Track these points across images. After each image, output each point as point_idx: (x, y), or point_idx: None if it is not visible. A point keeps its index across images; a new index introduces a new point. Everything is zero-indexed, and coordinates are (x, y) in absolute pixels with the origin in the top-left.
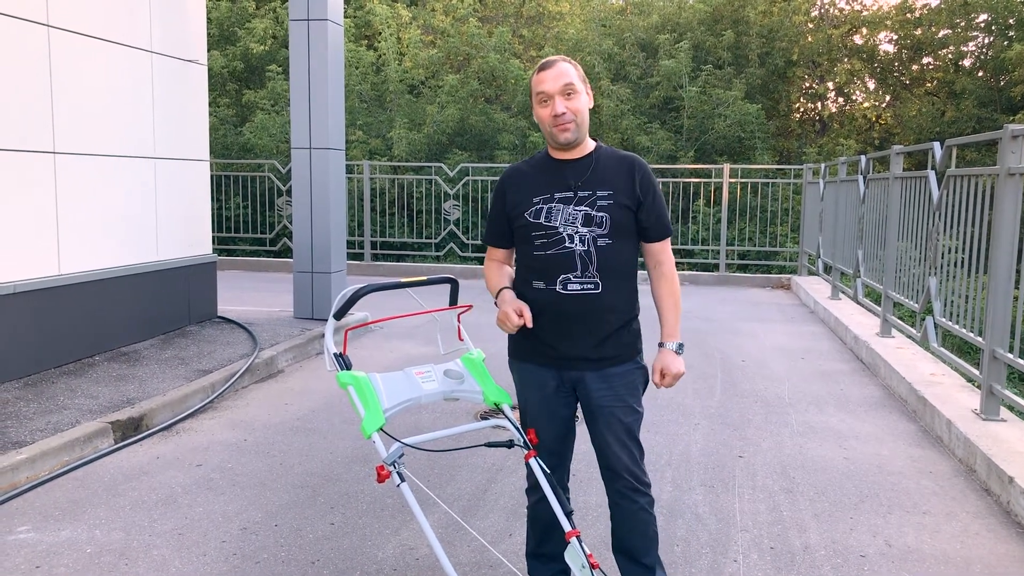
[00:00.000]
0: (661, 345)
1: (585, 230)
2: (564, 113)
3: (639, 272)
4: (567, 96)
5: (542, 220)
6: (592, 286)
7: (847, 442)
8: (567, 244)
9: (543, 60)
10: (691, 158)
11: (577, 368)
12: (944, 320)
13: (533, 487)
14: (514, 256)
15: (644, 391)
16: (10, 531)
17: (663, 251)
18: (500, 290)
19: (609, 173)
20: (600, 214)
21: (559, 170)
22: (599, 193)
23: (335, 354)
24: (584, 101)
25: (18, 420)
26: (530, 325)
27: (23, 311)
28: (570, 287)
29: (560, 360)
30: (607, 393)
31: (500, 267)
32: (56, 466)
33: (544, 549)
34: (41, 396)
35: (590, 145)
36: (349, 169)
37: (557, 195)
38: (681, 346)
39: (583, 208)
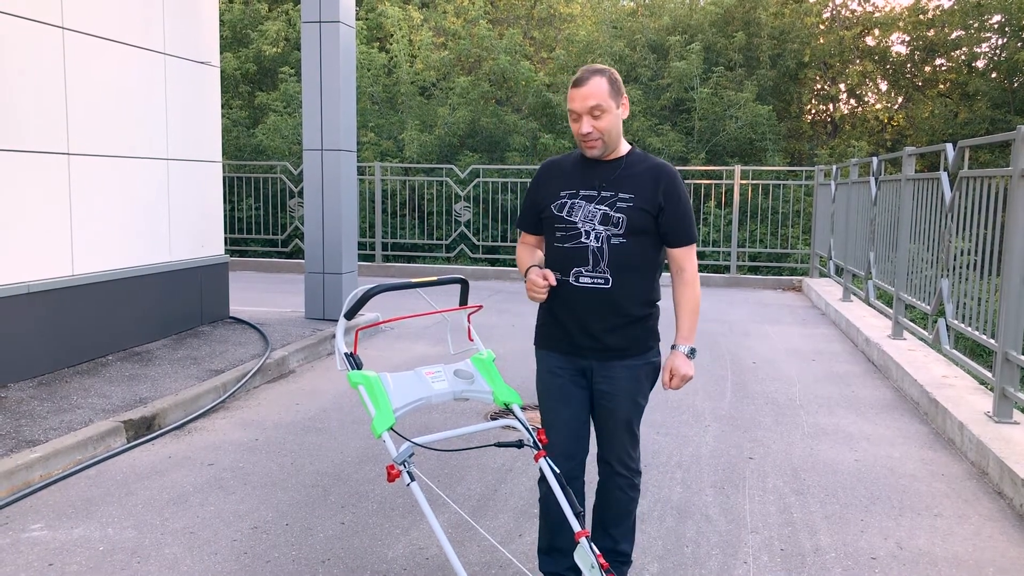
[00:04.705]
0: (674, 347)
1: (602, 228)
2: (590, 132)
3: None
4: (594, 117)
5: (564, 214)
6: (602, 281)
7: (858, 444)
8: (583, 239)
9: (579, 72)
10: (702, 160)
11: (585, 357)
12: (956, 322)
13: (545, 478)
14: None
15: (652, 387)
16: (24, 529)
17: (685, 257)
18: (528, 268)
19: (635, 179)
20: (618, 215)
21: (589, 169)
22: (621, 195)
23: (346, 354)
24: (612, 119)
25: (32, 419)
26: (554, 283)
27: (37, 311)
28: (582, 280)
29: (572, 348)
30: (609, 385)
31: (532, 250)
32: (69, 465)
33: (557, 543)
34: (55, 395)
35: (624, 149)
36: (360, 170)
37: (583, 192)
38: (693, 351)
39: (603, 208)
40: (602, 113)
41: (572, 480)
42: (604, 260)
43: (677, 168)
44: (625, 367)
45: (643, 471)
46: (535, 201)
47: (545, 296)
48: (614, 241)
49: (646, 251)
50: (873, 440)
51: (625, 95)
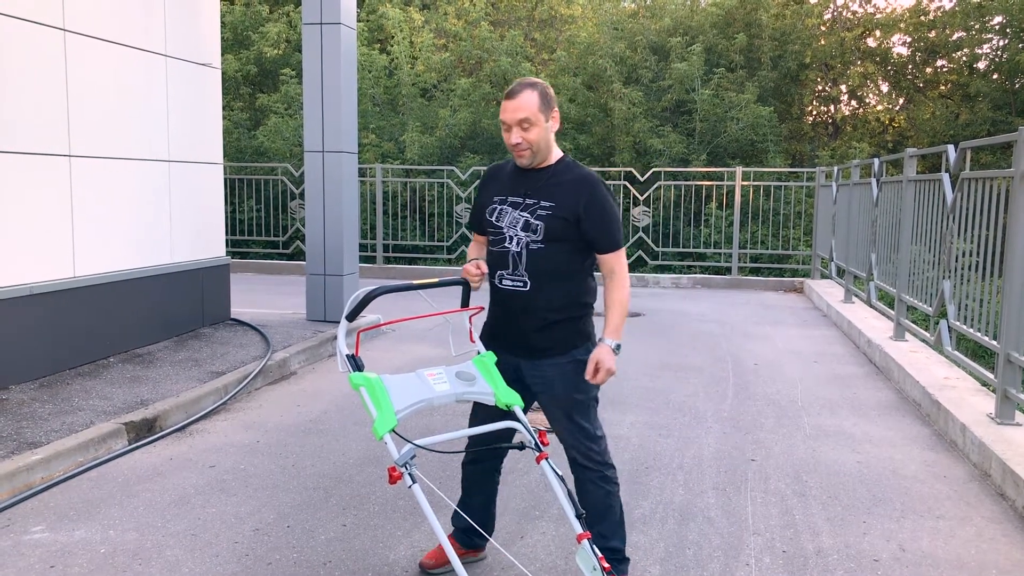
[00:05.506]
0: (601, 340)
1: (523, 234)
2: (519, 143)
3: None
4: (523, 129)
5: (494, 219)
6: (521, 284)
7: (860, 446)
8: (506, 244)
9: (512, 85)
10: (703, 161)
11: (513, 355)
12: (958, 324)
13: (473, 444)
14: None
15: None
16: (25, 531)
17: (614, 261)
18: (471, 260)
19: (559, 188)
20: (537, 222)
21: (520, 177)
22: (542, 204)
23: (347, 356)
24: (541, 131)
25: (33, 421)
26: (485, 271)
27: (38, 313)
28: (504, 282)
29: (504, 345)
30: (540, 382)
31: (480, 247)
32: (71, 467)
33: (465, 501)
34: (56, 397)
35: (554, 158)
36: (361, 172)
37: (511, 199)
38: (618, 346)
39: (525, 215)
40: (531, 126)
41: (480, 462)
42: (522, 264)
43: (678, 170)
44: (552, 365)
45: (645, 473)
46: (479, 204)
47: (478, 284)
48: (532, 247)
49: (567, 257)
50: (875, 442)
51: (556, 108)
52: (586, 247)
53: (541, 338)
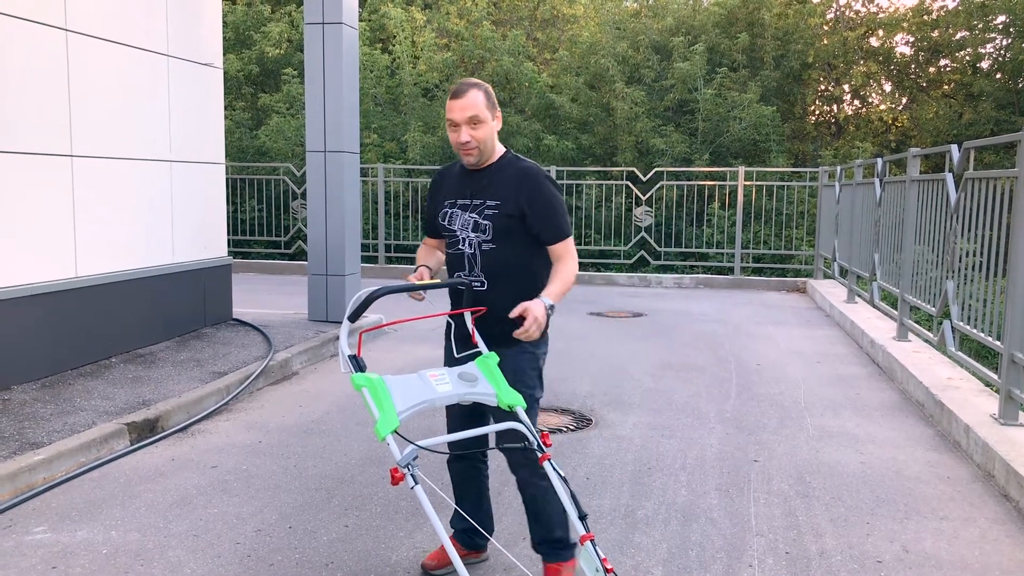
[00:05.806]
0: (538, 297)
1: (473, 235)
2: (468, 141)
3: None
4: (472, 126)
5: (446, 223)
6: (479, 284)
7: (863, 447)
8: (460, 246)
9: (456, 85)
10: (706, 161)
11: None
12: (962, 324)
13: (458, 443)
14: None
15: (539, 379)
16: (27, 531)
17: (563, 251)
18: (418, 267)
19: (502, 185)
20: (485, 222)
21: (466, 179)
22: (488, 203)
23: (349, 356)
24: (489, 129)
25: (35, 421)
26: (424, 280)
27: (40, 313)
28: None
29: (463, 344)
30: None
31: (430, 250)
32: (72, 467)
33: (460, 500)
34: (58, 397)
35: (497, 154)
36: (363, 172)
37: (459, 201)
38: (552, 307)
39: (473, 216)
40: (479, 123)
41: (462, 460)
42: (477, 265)
43: (681, 170)
44: (506, 356)
45: (648, 474)
46: (431, 209)
47: (423, 296)
48: (485, 247)
49: (519, 254)
50: (878, 442)
51: (499, 108)
52: (536, 240)
53: (501, 332)
